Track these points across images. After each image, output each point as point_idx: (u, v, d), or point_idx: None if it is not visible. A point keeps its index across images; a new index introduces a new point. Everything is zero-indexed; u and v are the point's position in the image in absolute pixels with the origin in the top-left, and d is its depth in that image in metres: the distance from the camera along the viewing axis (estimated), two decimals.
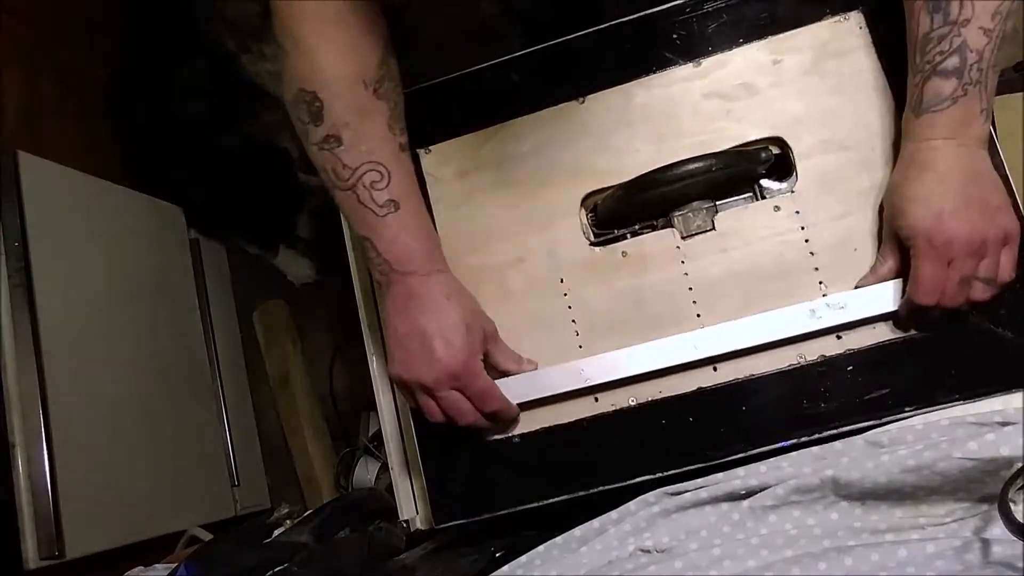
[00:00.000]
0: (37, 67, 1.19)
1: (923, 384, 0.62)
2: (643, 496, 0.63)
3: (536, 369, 0.67)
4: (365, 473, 1.35)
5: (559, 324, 0.69)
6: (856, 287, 0.64)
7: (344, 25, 0.61)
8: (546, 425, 0.68)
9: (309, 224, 1.48)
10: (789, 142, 0.68)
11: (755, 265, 0.66)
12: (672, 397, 0.66)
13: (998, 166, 0.63)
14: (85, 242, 1.14)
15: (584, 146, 0.71)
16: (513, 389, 0.67)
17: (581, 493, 0.66)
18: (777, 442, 0.63)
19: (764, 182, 0.70)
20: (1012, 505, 0.47)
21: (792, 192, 0.67)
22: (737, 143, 0.68)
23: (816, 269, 0.65)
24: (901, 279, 0.62)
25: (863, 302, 0.63)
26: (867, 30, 0.68)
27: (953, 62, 0.57)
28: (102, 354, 1.12)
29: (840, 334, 0.64)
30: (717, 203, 0.70)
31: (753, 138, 0.68)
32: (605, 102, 0.72)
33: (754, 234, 0.67)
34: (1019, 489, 0.51)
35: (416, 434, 0.71)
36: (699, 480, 0.62)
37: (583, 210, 0.71)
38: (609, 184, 0.70)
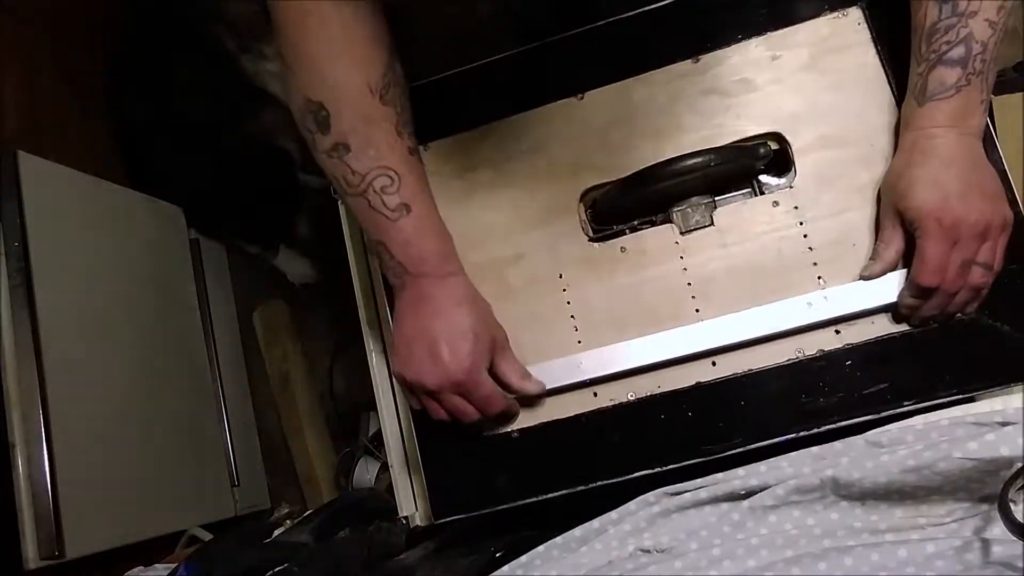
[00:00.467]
0: (37, 67, 1.19)
1: (922, 378, 0.62)
2: (643, 496, 0.63)
3: (544, 390, 0.67)
4: (365, 473, 1.35)
5: (558, 320, 0.69)
6: (861, 277, 0.63)
7: (348, 33, 0.61)
8: (545, 420, 0.68)
9: (309, 224, 1.48)
10: (788, 138, 0.67)
11: (754, 260, 0.66)
12: (671, 392, 0.66)
13: (996, 162, 0.63)
14: (85, 242, 1.14)
15: (583, 142, 0.71)
16: None
17: (580, 488, 0.66)
18: (776, 436, 0.63)
19: (763, 178, 0.70)
20: (1012, 505, 0.47)
21: (791, 187, 0.67)
22: (736, 139, 0.68)
23: (815, 264, 0.65)
24: (903, 270, 0.62)
25: (861, 296, 0.63)
26: (866, 26, 0.67)
27: (959, 52, 0.58)
28: (102, 354, 1.12)
29: (838, 328, 0.64)
30: (716, 199, 0.69)
31: (752, 134, 0.68)
32: (604, 98, 0.71)
33: (753, 229, 0.67)
34: (1019, 489, 0.51)
35: (416, 432, 0.71)
36: (699, 480, 0.62)
37: (582, 206, 0.71)
38: (608, 180, 0.70)
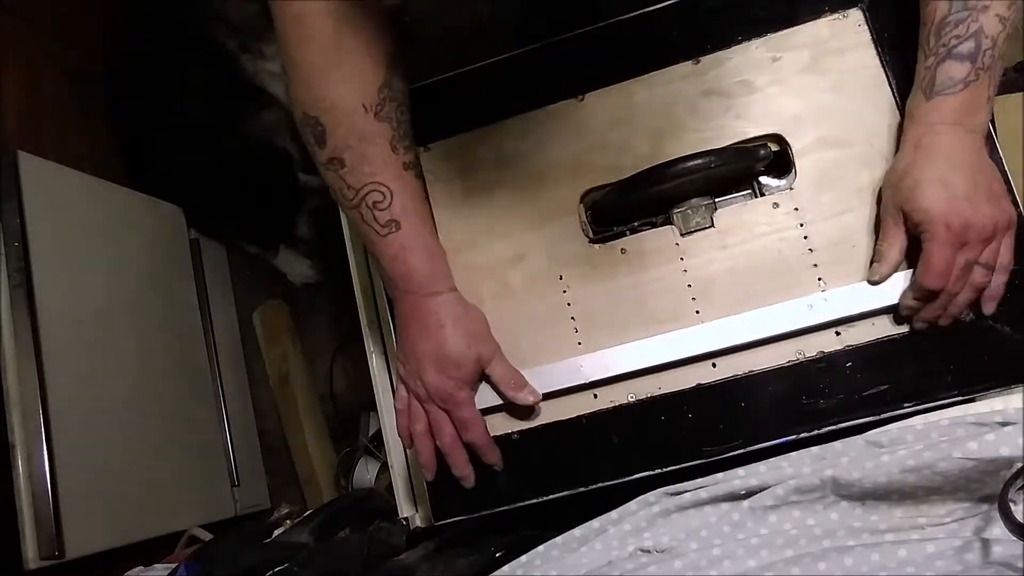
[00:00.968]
0: (37, 67, 1.19)
1: (922, 380, 0.62)
2: (643, 496, 0.63)
3: (539, 400, 0.67)
4: (365, 473, 1.35)
5: (558, 321, 0.69)
6: (868, 281, 0.63)
7: (344, 50, 0.61)
8: (545, 421, 0.68)
9: (309, 224, 1.48)
10: (788, 139, 0.67)
11: (754, 262, 0.66)
12: (671, 393, 0.66)
13: (996, 162, 0.63)
14: (85, 242, 1.15)
15: (583, 144, 0.71)
16: None
17: (581, 489, 0.66)
18: (776, 438, 0.63)
19: (763, 179, 0.70)
20: (1012, 505, 0.47)
21: (791, 189, 0.67)
22: (736, 140, 0.68)
23: (815, 266, 0.65)
24: (906, 271, 0.62)
25: (862, 298, 0.63)
26: (866, 27, 0.67)
27: (969, 46, 0.58)
28: (102, 354, 1.12)
29: (839, 330, 0.64)
30: (716, 200, 0.69)
31: (752, 135, 0.68)
32: (604, 100, 0.71)
33: (753, 231, 0.67)
34: (1019, 489, 0.51)
35: None
36: (699, 480, 0.62)
37: (582, 207, 0.71)
38: (608, 181, 0.70)
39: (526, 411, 0.68)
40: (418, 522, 0.78)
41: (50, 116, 1.20)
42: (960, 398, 0.61)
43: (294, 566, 0.68)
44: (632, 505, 0.63)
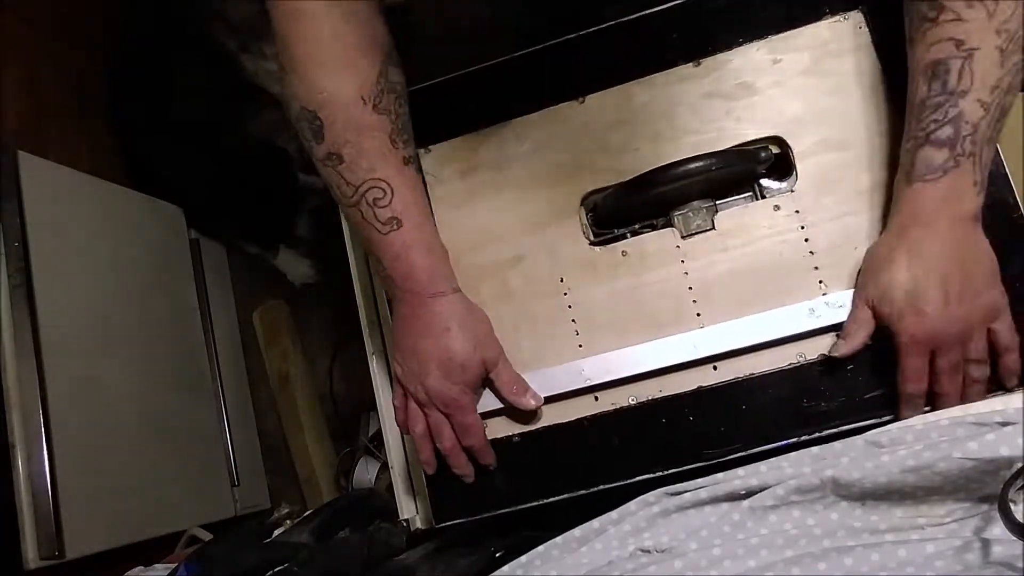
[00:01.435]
0: (37, 67, 1.19)
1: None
2: (643, 496, 0.63)
3: (541, 404, 0.67)
4: (365, 473, 1.35)
5: (559, 323, 0.69)
6: (829, 354, 0.62)
7: (340, 43, 0.60)
8: (546, 424, 0.68)
9: (309, 224, 1.48)
10: (789, 141, 0.68)
11: (755, 264, 0.66)
12: (672, 396, 0.66)
13: (996, 164, 0.63)
14: (85, 242, 1.14)
15: (584, 146, 0.71)
16: None
17: (581, 492, 0.66)
18: (777, 441, 0.63)
19: (764, 181, 0.70)
20: (1012, 505, 0.47)
21: (792, 191, 0.67)
22: (737, 142, 0.68)
23: (816, 268, 0.65)
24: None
25: None
26: (867, 30, 0.68)
27: (947, 132, 0.56)
28: (102, 354, 1.12)
29: (840, 332, 0.64)
30: (717, 202, 0.70)
31: (753, 137, 0.68)
32: (605, 102, 0.72)
33: (754, 233, 0.67)
34: (1019, 489, 0.51)
35: None
36: (699, 480, 0.62)
37: (583, 209, 0.71)
38: (609, 183, 0.70)
39: (528, 415, 0.68)
40: (419, 523, 0.78)
41: (50, 116, 1.19)
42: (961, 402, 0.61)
43: (294, 566, 0.68)
44: (632, 505, 0.63)
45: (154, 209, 1.35)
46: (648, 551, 0.59)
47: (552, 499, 0.67)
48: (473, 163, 0.73)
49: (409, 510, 0.79)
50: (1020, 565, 0.47)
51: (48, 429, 0.96)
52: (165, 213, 1.38)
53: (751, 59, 0.69)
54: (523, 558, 0.63)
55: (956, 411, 0.59)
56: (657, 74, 0.71)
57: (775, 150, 0.68)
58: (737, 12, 0.70)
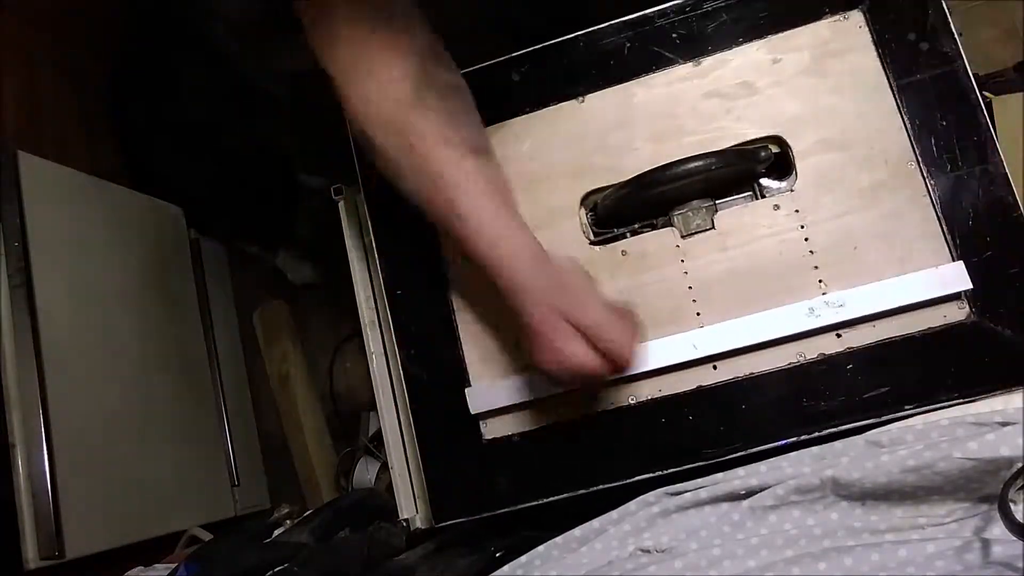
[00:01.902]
0: (37, 67, 1.18)
1: (923, 382, 0.62)
2: (643, 496, 0.63)
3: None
4: (365, 473, 1.35)
5: None
6: None
7: (373, 47, 0.58)
8: (546, 423, 0.68)
9: (309, 224, 1.47)
10: (789, 141, 0.68)
11: (755, 264, 0.66)
12: (672, 396, 0.66)
13: (996, 163, 0.63)
14: (85, 242, 1.14)
15: (584, 145, 0.71)
16: (513, 391, 0.67)
17: (581, 492, 0.66)
18: (777, 440, 0.63)
19: (764, 181, 0.70)
20: (1012, 505, 0.47)
21: (792, 191, 0.67)
22: (737, 142, 0.68)
23: (816, 268, 0.65)
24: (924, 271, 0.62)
25: (863, 300, 0.63)
26: (867, 29, 0.68)
27: None
28: (102, 354, 1.11)
29: (840, 332, 0.64)
30: (717, 202, 0.70)
31: (753, 137, 0.68)
32: (605, 101, 0.72)
33: (754, 233, 0.67)
34: (1019, 489, 0.51)
35: (416, 433, 0.71)
36: (699, 480, 0.62)
37: (583, 209, 0.71)
38: (609, 183, 0.70)
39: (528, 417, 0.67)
40: (419, 523, 0.78)
41: (50, 116, 1.19)
42: (961, 400, 0.61)
43: (294, 566, 0.68)
44: (632, 505, 0.63)
45: (154, 209, 1.35)
46: (648, 551, 0.59)
47: (552, 499, 0.67)
48: None
49: (409, 510, 0.79)
50: (1020, 565, 0.47)
51: (48, 429, 0.96)
52: (165, 213, 1.38)
53: (751, 58, 0.69)
54: (523, 558, 0.63)
55: (956, 411, 0.60)
56: (657, 73, 0.71)
57: (775, 149, 0.68)
58: (737, 11, 0.70)
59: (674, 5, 0.71)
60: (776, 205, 0.67)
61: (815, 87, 0.68)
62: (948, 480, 0.54)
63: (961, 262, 0.62)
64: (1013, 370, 0.61)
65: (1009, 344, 0.62)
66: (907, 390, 0.62)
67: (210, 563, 0.71)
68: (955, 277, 0.62)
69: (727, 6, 0.70)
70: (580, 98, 0.72)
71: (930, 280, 0.62)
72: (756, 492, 0.59)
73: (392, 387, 0.82)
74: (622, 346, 0.58)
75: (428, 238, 0.73)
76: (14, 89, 1.12)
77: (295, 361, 1.48)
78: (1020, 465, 0.50)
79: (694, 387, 0.66)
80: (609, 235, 0.71)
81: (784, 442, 0.63)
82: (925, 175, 0.65)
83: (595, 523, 0.63)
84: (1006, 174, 0.63)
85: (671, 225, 0.69)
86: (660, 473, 0.65)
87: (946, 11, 0.66)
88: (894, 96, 0.66)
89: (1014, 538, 0.47)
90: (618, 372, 0.59)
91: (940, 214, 0.64)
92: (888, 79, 0.66)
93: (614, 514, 0.63)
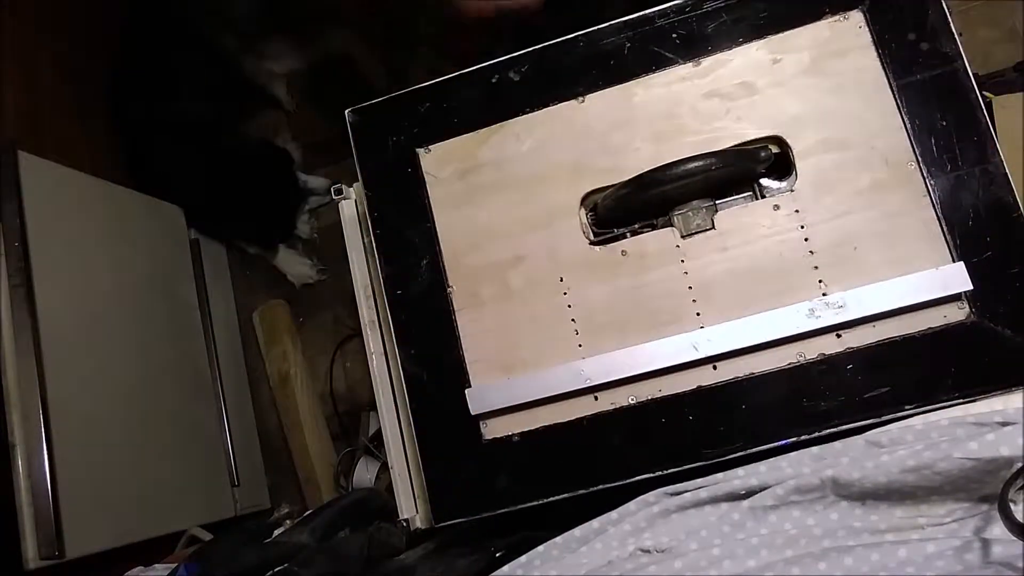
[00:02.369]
0: (37, 67, 1.18)
1: (923, 382, 0.62)
2: (643, 496, 0.63)
3: None
4: (365, 473, 1.35)
5: (559, 322, 0.69)
6: None
7: None
8: (546, 424, 0.68)
9: (309, 224, 1.47)
10: (789, 141, 0.68)
11: (755, 264, 0.66)
12: (672, 395, 0.66)
13: (996, 163, 0.63)
14: (85, 242, 1.14)
15: (584, 145, 0.71)
16: (513, 391, 0.67)
17: (581, 492, 0.66)
18: (777, 440, 0.63)
19: (764, 181, 0.70)
20: (1012, 505, 0.47)
21: (792, 191, 0.67)
22: (737, 142, 0.68)
23: (815, 268, 0.65)
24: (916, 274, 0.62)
25: (862, 301, 0.63)
26: (867, 29, 0.68)
27: None
28: (102, 354, 1.11)
29: (840, 332, 0.64)
30: (717, 202, 0.70)
31: (753, 137, 0.68)
32: (605, 101, 0.72)
33: (754, 233, 0.67)
34: (1019, 489, 0.51)
35: (416, 433, 0.71)
36: (699, 480, 0.62)
37: (583, 209, 0.71)
38: (609, 183, 0.70)
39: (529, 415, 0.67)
40: (419, 523, 0.78)
41: (50, 115, 1.19)
42: (961, 400, 0.61)
43: (294, 566, 0.68)
44: (632, 505, 0.63)
45: (154, 209, 1.35)
46: (648, 551, 0.59)
47: (552, 499, 0.67)
48: (473, 163, 0.73)
49: (409, 510, 0.79)
50: (1020, 565, 0.47)
51: (48, 429, 0.96)
52: (165, 213, 1.38)
53: (751, 58, 0.69)
54: (523, 558, 0.63)
55: (956, 411, 0.60)
56: (657, 73, 0.71)
57: (775, 150, 0.68)
58: (737, 11, 0.70)
59: (674, 5, 0.71)
60: (776, 205, 0.67)
61: (815, 87, 0.68)
62: (948, 480, 0.54)
63: (961, 263, 0.62)
64: (1013, 370, 0.61)
65: (1009, 344, 0.62)
66: (907, 390, 0.62)
67: (210, 563, 0.71)
68: (955, 278, 0.62)
69: (727, 6, 0.70)
70: (580, 98, 0.72)
71: (930, 281, 0.62)
72: (756, 492, 0.59)
73: (392, 387, 0.82)
74: None
75: (428, 238, 0.73)
76: (13, 88, 1.12)
77: (295, 361, 1.48)
78: (1020, 465, 0.50)
79: (694, 387, 0.66)
80: (609, 235, 0.71)
81: (784, 442, 0.63)
82: (925, 175, 0.65)
83: (595, 523, 0.63)
84: (1006, 174, 0.63)
85: (671, 225, 0.69)
86: (660, 473, 0.65)
87: (946, 11, 0.66)
88: (894, 96, 0.66)
89: (1014, 538, 0.47)
90: None
91: (940, 214, 0.64)
92: (888, 79, 0.66)
93: (614, 514, 0.63)
